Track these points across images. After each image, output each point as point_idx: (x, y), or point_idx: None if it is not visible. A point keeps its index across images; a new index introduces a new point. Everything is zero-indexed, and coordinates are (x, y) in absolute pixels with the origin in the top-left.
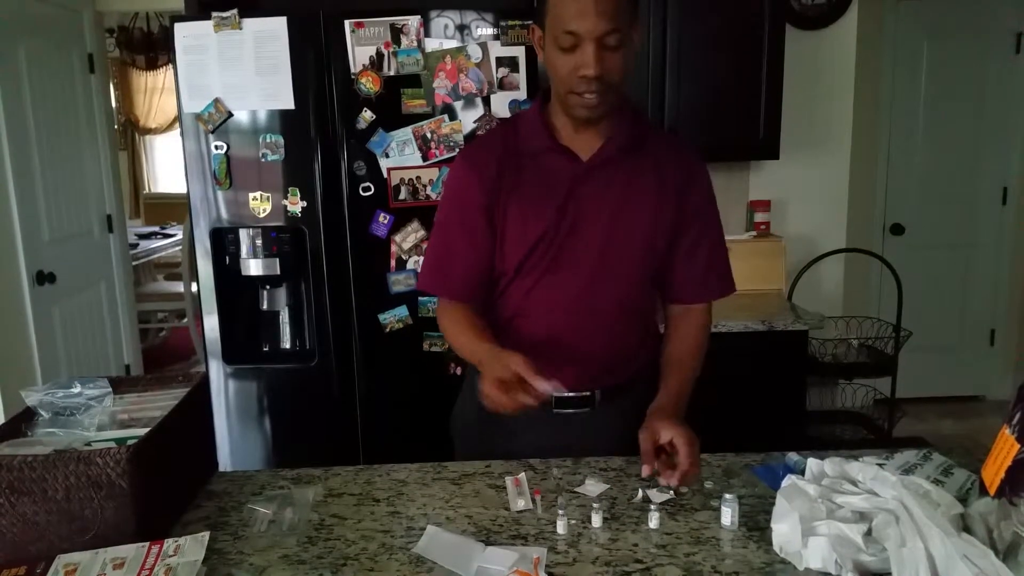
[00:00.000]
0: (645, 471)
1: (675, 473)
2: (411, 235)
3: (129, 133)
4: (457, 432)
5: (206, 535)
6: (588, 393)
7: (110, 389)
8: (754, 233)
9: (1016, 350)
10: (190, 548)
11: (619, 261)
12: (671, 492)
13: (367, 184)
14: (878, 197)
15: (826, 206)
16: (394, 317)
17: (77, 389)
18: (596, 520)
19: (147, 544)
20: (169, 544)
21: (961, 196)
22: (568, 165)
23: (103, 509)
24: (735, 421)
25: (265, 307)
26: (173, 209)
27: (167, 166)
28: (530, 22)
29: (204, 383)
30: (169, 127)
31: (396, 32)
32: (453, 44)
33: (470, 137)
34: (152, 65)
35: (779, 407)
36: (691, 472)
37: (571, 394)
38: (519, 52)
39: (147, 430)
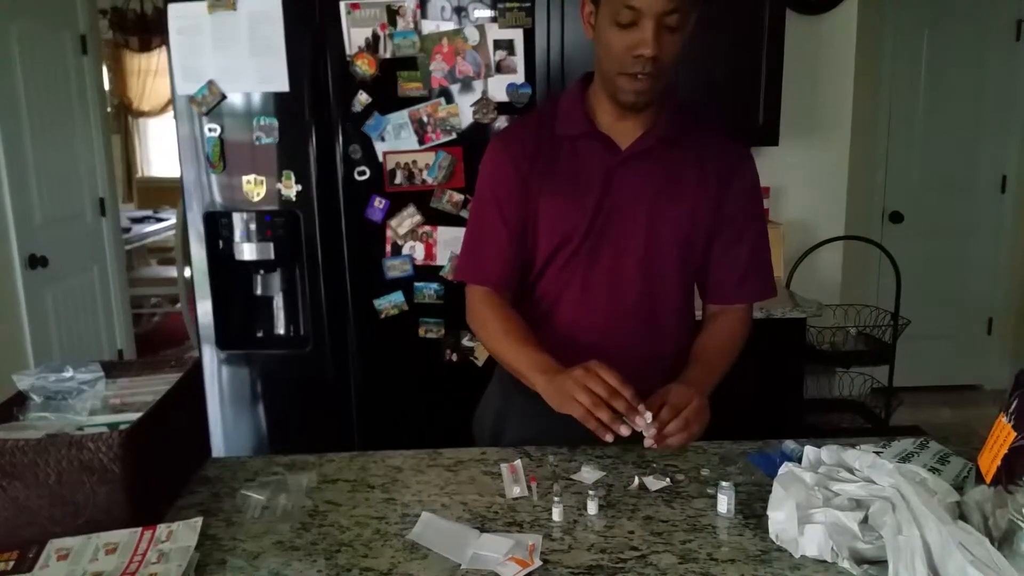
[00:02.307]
0: (623, 430)
1: (652, 428)
2: (407, 220)
3: (122, 116)
4: (483, 434)
5: (199, 521)
6: None
7: (102, 373)
8: None
9: (1014, 339)
10: (183, 534)
11: (656, 256)
12: (667, 479)
13: (362, 168)
14: (877, 185)
15: (825, 193)
16: (389, 303)
17: (69, 373)
18: (592, 507)
19: (139, 529)
20: (162, 530)
21: (960, 184)
22: (605, 153)
23: (95, 494)
24: (732, 408)
25: (259, 292)
26: (166, 193)
27: (160, 149)
28: (528, 4)
29: (197, 368)
30: (162, 110)
31: (392, 14)
32: (450, 26)
33: (468, 122)
34: (145, 47)
35: (776, 395)
36: (669, 436)
37: None
38: (517, 35)
39: (139, 415)
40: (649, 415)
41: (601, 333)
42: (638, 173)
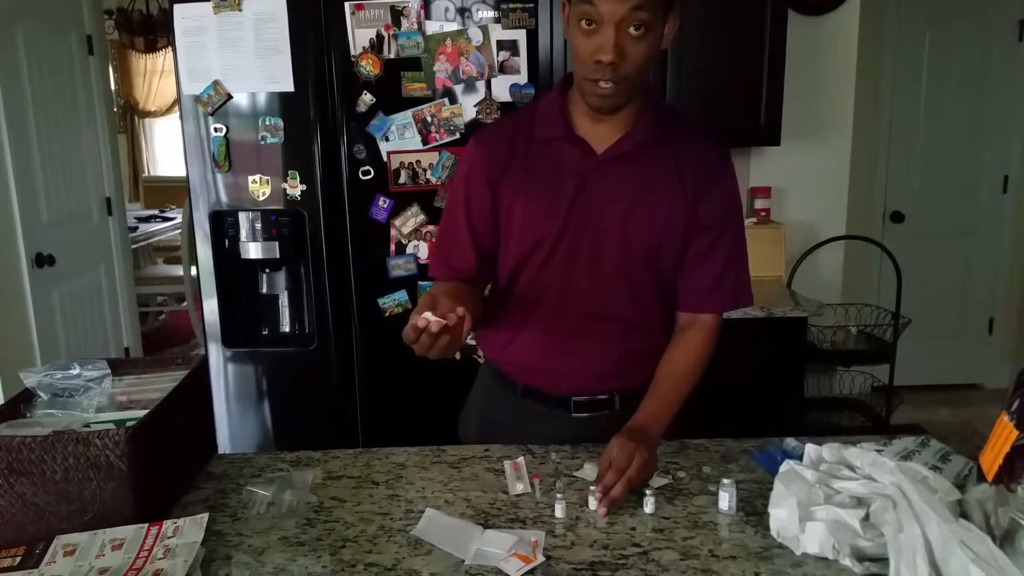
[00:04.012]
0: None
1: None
2: (411, 219)
3: (128, 116)
4: (469, 435)
5: (205, 517)
6: (606, 396)
7: (109, 371)
8: (754, 220)
9: (1014, 338)
10: (189, 530)
11: (630, 261)
12: (669, 477)
13: (367, 168)
14: (879, 185)
15: (826, 193)
16: (393, 301)
17: (76, 371)
18: (594, 504)
19: (146, 525)
20: (168, 526)
21: (962, 184)
22: (580, 157)
23: (102, 491)
24: (734, 407)
25: (264, 291)
26: (172, 192)
27: (166, 149)
28: (531, 5)
29: (203, 366)
30: (168, 110)
31: (396, 14)
32: (454, 27)
33: (471, 121)
34: (151, 47)
35: (778, 393)
36: (610, 494)
37: (587, 397)
38: (520, 35)
39: (146, 412)
40: (594, 491)
41: (583, 332)
42: (613, 178)
